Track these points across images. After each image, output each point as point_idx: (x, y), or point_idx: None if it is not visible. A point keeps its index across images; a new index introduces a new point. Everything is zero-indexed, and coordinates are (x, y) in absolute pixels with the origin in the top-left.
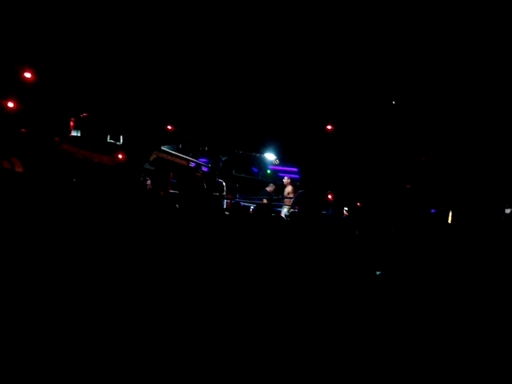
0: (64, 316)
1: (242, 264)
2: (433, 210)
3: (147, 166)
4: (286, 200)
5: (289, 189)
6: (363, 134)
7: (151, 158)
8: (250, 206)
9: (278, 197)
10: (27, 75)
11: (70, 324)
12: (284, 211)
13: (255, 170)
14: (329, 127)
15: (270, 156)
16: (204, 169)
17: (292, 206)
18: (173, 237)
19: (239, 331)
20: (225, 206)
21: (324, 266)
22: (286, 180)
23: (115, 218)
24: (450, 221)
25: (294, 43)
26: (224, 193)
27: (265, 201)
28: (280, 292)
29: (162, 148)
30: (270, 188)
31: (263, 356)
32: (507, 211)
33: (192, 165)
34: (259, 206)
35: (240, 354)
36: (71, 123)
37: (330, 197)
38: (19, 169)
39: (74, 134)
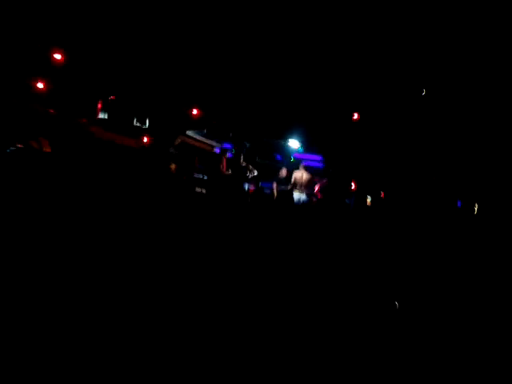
0: (70, 302)
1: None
2: (459, 203)
3: (172, 150)
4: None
5: (307, 176)
6: (389, 123)
7: (176, 143)
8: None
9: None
10: (57, 56)
11: (73, 315)
12: (302, 197)
13: (279, 157)
14: (355, 116)
15: (294, 143)
16: (228, 154)
17: (314, 193)
18: (194, 221)
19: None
20: (246, 189)
21: (342, 258)
22: (301, 167)
23: (138, 200)
24: (476, 213)
25: (323, 32)
26: (252, 174)
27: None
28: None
29: (187, 133)
30: (282, 172)
31: (263, 355)
32: None
33: (217, 150)
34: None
35: (242, 350)
36: (99, 105)
37: (353, 185)
38: (47, 149)
39: (101, 116)
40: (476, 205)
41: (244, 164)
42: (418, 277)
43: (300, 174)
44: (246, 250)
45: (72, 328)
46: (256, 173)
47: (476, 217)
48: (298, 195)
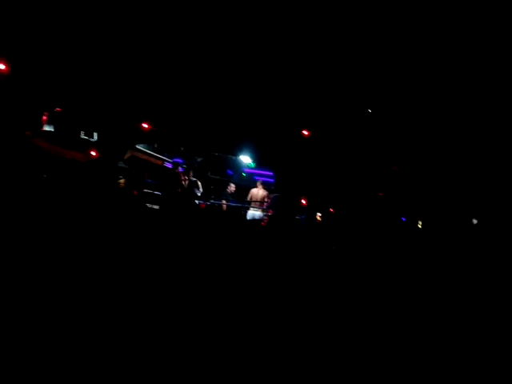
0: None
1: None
2: (403, 218)
3: (121, 164)
4: (256, 203)
5: (263, 193)
6: (339, 140)
7: (126, 157)
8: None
9: (247, 200)
10: (0, 66)
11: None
12: (257, 214)
13: (230, 172)
14: (305, 132)
15: (245, 159)
16: (180, 169)
17: (266, 210)
18: (147, 236)
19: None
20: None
21: (297, 271)
22: (259, 184)
23: (86, 215)
24: (419, 228)
25: (273, 48)
26: (199, 191)
27: (224, 202)
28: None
29: (137, 147)
30: (231, 188)
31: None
32: (474, 221)
33: (168, 165)
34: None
35: (239, 352)
36: (44, 117)
37: (303, 201)
38: None
39: (46, 128)
40: (419, 221)
41: (193, 179)
42: (367, 288)
43: (256, 191)
44: (197, 266)
45: (72, 330)
46: (201, 190)
47: (420, 231)
48: (252, 212)
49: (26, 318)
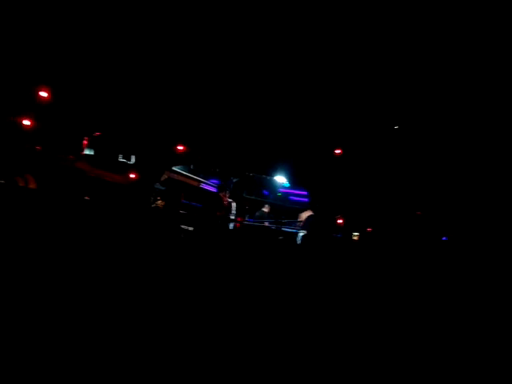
0: (64, 320)
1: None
2: (444, 238)
3: (158, 185)
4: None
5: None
6: (374, 159)
7: (162, 178)
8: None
9: (286, 220)
10: (43, 94)
11: (70, 327)
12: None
13: (266, 192)
14: (337, 151)
15: (280, 179)
16: (213, 189)
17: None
18: (179, 256)
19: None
20: (231, 227)
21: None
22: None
23: (126, 236)
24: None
25: (304, 69)
26: (233, 214)
27: (266, 223)
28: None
29: (174, 168)
30: (266, 209)
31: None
32: None
33: (206, 187)
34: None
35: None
36: (84, 142)
37: (340, 221)
38: (33, 185)
39: (87, 152)
40: (460, 239)
41: (229, 201)
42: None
43: (305, 215)
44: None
45: (72, 331)
46: (234, 211)
47: (462, 251)
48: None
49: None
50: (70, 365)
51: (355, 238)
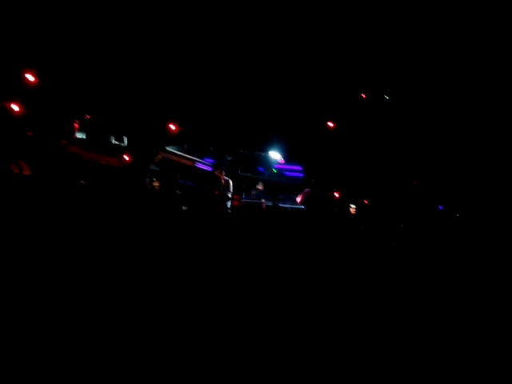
0: (65, 315)
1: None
2: (440, 207)
3: (153, 167)
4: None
5: None
6: (369, 131)
7: (157, 159)
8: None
9: (283, 196)
10: (30, 78)
11: (71, 323)
12: None
13: (261, 169)
14: (330, 124)
15: (275, 155)
16: (208, 168)
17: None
18: (180, 237)
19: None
20: (229, 206)
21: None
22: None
23: (123, 218)
24: (457, 216)
25: (297, 44)
26: (230, 192)
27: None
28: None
29: (168, 149)
30: (260, 186)
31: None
32: None
33: (200, 166)
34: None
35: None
36: (75, 125)
37: (336, 195)
38: (27, 172)
39: (78, 136)
40: (457, 209)
41: (226, 179)
42: (407, 279)
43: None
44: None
45: (72, 329)
46: (232, 190)
47: (458, 220)
48: None
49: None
50: (67, 360)
51: (352, 210)
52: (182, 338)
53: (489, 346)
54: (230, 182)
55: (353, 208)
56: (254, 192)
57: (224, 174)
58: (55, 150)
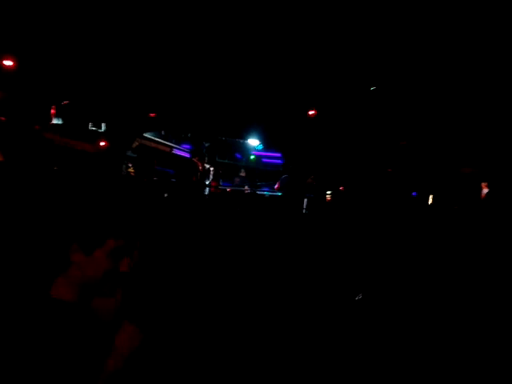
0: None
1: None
2: (414, 193)
3: (130, 153)
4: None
5: None
6: (345, 118)
7: (134, 145)
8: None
9: (261, 183)
10: (7, 63)
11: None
12: None
13: (238, 155)
14: (311, 112)
15: (253, 141)
16: (186, 154)
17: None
18: (157, 224)
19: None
20: (206, 193)
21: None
22: None
23: (99, 205)
24: (430, 203)
25: (276, 30)
26: (209, 179)
27: (246, 187)
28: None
29: (145, 135)
30: (243, 173)
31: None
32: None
33: (177, 152)
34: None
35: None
36: (52, 111)
37: (313, 181)
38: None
39: (55, 121)
40: (430, 195)
41: (207, 167)
42: (385, 269)
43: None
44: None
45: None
46: (211, 177)
47: (431, 207)
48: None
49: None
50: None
51: (328, 197)
52: (168, 332)
53: (485, 343)
54: (212, 169)
55: (328, 195)
56: (237, 179)
57: (206, 160)
58: (29, 135)
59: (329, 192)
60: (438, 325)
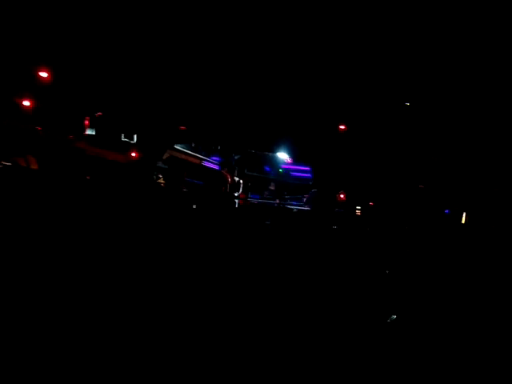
0: (65, 314)
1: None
2: (446, 211)
3: (160, 164)
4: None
5: None
6: (376, 133)
7: (164, 157)
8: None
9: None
10: (43, 74)
11: (71, 323)
12: None
13: (267, 168)
14: (342, 127)
15: (282, 155)
16: (215, 167)
17: (304, 205)
18: (186, 234)
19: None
20: (236, 205)
21: (333, 264)
22: None
23: (128, 215)
24: (463, 221)
25: (308, 44)
26: (238, 192)
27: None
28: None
29: (175, 147)
30: (272, 187)
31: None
32: None
33: (208, 164)
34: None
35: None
36: (86, 122)
37: (342, 196)
38: (34, 166)
39: (88, 132)
40: (464, 213)
41: (236, 179)
42: (412, 282)
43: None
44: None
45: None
46: (241, 190)
47: (464, 225)
48: None
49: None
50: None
51: (358, 212)
52: (187, 334)
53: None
54: (241, 181)
55: (358, 210)
56: (266, 192)
57: (236, 173)
58: (62, 145)
59: (358, 207)
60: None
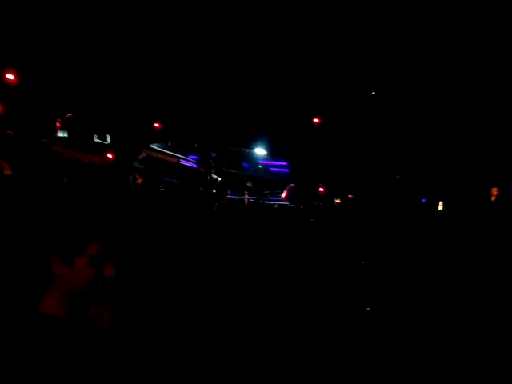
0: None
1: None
2: (424, 200)
3: (137, 164)
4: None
5: None
6: (352, 126)
7: (140, 157)
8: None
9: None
10: (10, 77)
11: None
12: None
13: (246, 165)
14: (316, 120)
15: (260, 151)
16: (193, 165)
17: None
18: (170, 235)
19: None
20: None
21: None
22: None
23: (108, 216)
24: (440, 209)
25: (281, 38)
26: (216, 189)
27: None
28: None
29: (151, 146)
30: (250, 184)
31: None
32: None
33: (185, 163)
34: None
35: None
36: (57, 124)
37: (321, 189)
38: (8, 171)
39: (60, 134)
40: (440, 202)
41: (214, 177)
42: (389, 272)
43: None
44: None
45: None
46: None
47: (441, 213)
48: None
49: None
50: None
51: (336, 204)
52: (170, 336)
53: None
54: (219, 179)
55: (337, 202)
56: (244, 190)
57: (213, 171)
58: (36, 148)
59: (337, 200)
60: (443, 325)
